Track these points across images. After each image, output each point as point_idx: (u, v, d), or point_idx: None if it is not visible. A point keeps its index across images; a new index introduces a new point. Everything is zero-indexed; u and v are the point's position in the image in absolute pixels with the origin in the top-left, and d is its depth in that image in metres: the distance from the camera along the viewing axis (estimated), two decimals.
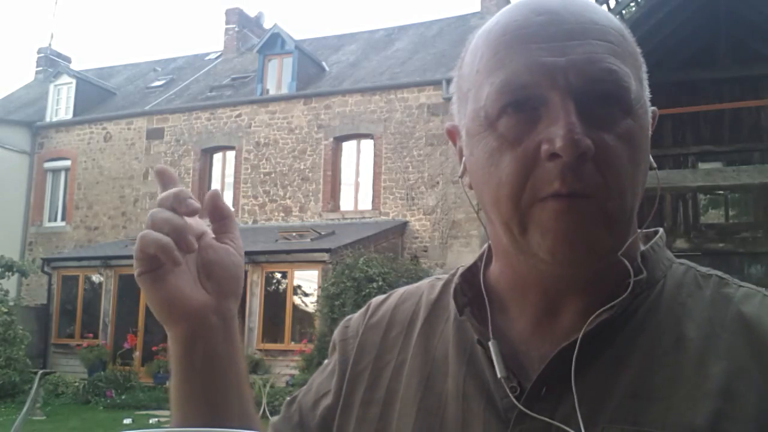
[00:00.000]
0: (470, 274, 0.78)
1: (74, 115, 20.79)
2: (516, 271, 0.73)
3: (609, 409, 0.64)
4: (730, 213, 12.90)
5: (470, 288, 0.76)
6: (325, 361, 0.88)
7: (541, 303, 0.72)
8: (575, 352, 0.66)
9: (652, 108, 0.73)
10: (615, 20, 0.69)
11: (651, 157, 0.71)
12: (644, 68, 0.71)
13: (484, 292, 0.76)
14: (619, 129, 0.64)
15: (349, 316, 0.89)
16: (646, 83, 0.71)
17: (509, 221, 0.66)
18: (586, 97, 0.63)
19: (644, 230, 0.78)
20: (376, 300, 0.88)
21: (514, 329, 0.73)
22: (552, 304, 0.71)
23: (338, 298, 12.78)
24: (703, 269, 0.74)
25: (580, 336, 0.66)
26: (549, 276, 0.69)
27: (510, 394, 0.68)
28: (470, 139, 0.69)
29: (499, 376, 0.69)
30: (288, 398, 0.89)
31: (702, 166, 11.46)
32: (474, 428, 0.69)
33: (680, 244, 11.53)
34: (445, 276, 0.85)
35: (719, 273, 0.74)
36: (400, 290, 0.87)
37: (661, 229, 0.79)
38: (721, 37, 11.50)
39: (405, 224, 16.27)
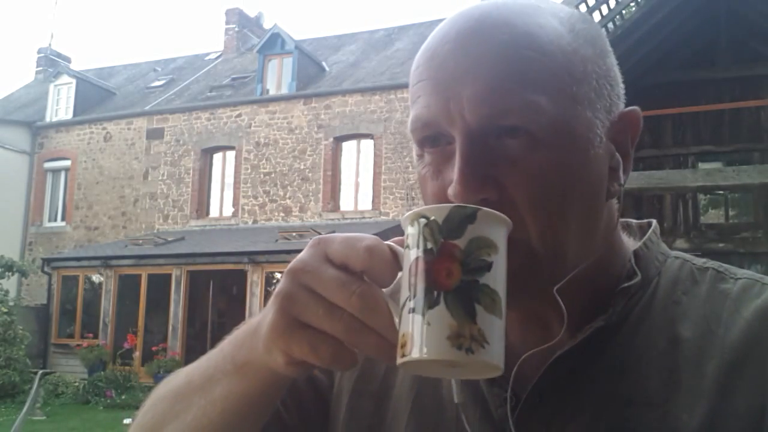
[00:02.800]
0: None
1: (74, 115, 20.80)
2: None
3: (606, 417, 0.63)
4: (730, 213, 12.90)
5: None
6: None
7: (521, 316, 0.69)
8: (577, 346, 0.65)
9: (631, 109, 0.68)
10: (543, 31, 0.62)
11: (621, 170, 0.67)
12: (592, 76, 0.63)
13: None
14: (534, 163, 0.60)
15: None
16: (595, 93, 0.63)
17: None
18: (487, 133, 0.60)
19: (637, 222, 0.76)
20: None
21: (509, 338, 0.71)
22: (536, 314, 0.68)
23: None
24: (700, 262, 0.72)
25: (575, 344, 0.65)
26: None
27: (494, 411, 0.67)
28: (416, 162, 0.68)
29: (456, 401, 0.68)
30: None
31: (702, 166, 11.46)
32: None
33: (680, 244, 11.53)
34: None
35: (716, 265, 0.71)
36: None
37: (654, 222, 0.76)
38: (721, 37, 11.50)
39: None
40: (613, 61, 0.68)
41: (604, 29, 11.01)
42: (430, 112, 0.62)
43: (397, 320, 0.53)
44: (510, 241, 0.56)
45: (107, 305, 15.90)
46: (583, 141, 0.62)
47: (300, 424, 0.76)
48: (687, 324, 0.66)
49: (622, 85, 0.69)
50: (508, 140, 0.60)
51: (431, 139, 0.64)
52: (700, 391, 0.62)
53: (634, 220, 0.77)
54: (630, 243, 0.73)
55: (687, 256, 0.74)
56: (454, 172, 0.60)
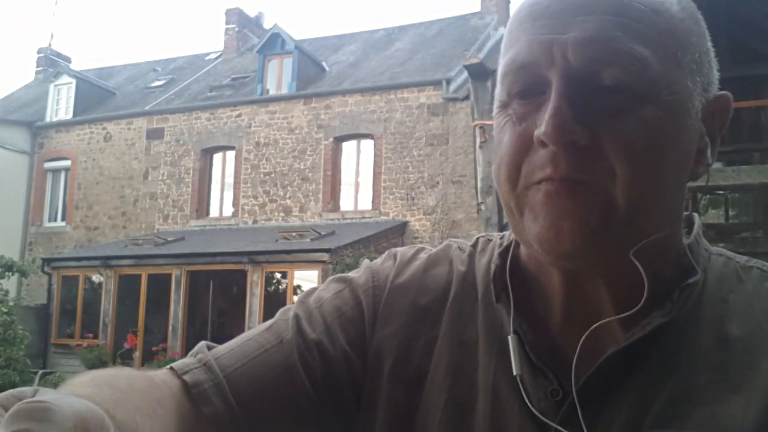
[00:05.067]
0: (506, 254, 0.71)
1: (74, 115, 20.79)
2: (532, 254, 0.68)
3: (652, 414, 0.61)
4: (730, 213, 12.89)
5: (505, 270, 0.70)
6: (334, 287, 0.77)
7: (571, 295, 0.66)
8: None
9: (723, 93, 0.67)
10: None
11: (709, 153, 0.64)
12: (696, 48, 0.63)
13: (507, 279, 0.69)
14: (633, 116, 0.58)
15: (368, 261, 0.80)
16: (696, 66, 0.63)
17: (509, 203, 0.63)
18: (587, 79, 0.59)
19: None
20: (402, 255, 0.79)
21: (552, 320, 0.67)
22: (583, 299, 0.65)
23: None
24: (743, 260, 0.70)
25: (633, 341, 0.62)
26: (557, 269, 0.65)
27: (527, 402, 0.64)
28: (495, 119, 0.67)
29: (515, 373, 0.65)
30: (288, 314, 0.75)
31: None
32: (507, 428, 0.65)
33: None
34: (467, 246, 0.79)
35: (759, 264, 0.70)
36: (426, 252, 0.79)
37: (696, 215, 0.73)
38: (721, 37, 11.49)
39: (405, 224, 16.26)
40: (711, 46, 0.67)
41: None
42: (531, 53, 0.60)
43: None
44: (592, 185, 0.56)
45: (107, 305, 15.90)
46: (682, 106, 0.61)
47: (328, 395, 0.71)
48: (736, 322, 0.64)
49: (717, 73, 0.68)
50: (611, 88, 0.59)
51: (524, 89, 0.62)
52: (755, 390, 0.60)
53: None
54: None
55: (729, 253, 0.72)
56: (545, 114, 0.58)
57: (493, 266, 0.71)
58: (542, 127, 0.58)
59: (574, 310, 0.66)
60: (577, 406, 0.62)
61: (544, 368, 0.65)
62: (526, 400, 0.64)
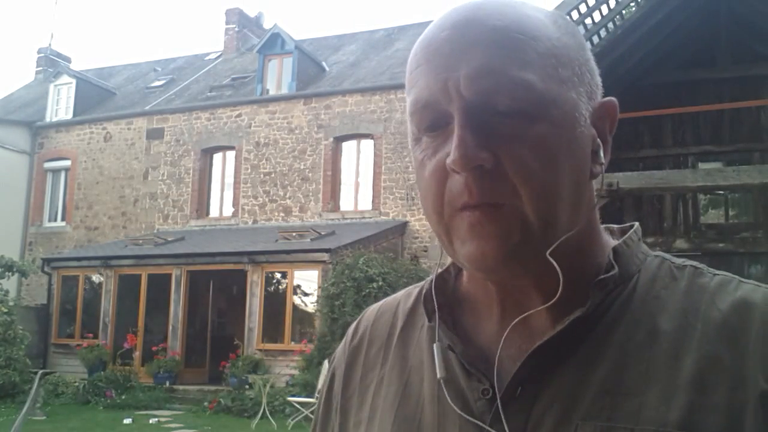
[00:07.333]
0: (441, 280, 0.79)
1: (74, 115, 20.80)
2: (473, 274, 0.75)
3: (583, 406, 0.65)
4: (730, 213, 12.89)
5: (441, 293, 0.77)
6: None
7: (505, 303, 0.72)
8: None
9: (608, 99, 0.73)
10: (530, 20, 0.68)
11: (601, 153, 0.71)
12: (575, 62, 0.69)
13: (433, 298, 0.77)
14: (527, 136, 0.64)
15: (338, 348, 0.91)
16: (577, 78, 0.69)
17: (438, 231, 0.69)
18: (483, 109, 0.64)
19: (620, 226, 0.79)
20: (355, 321, 0.90)
21: (484, 332, 0.74)
22: (517, 304, 0.71)
23: (338, 298, 12.79)
24: (678, 261, 0.74)
25: (553, 334, 0.67)
26: (490, 282, 0.71)
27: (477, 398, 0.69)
28: (412, 153, 0.72)
29: (438, 376, 0.71)
30: None
31: (702, 166, 11.45)
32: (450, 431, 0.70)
33: (680, 244, 11.53)
34: (422, 283, 0.86)
35: (694, 263, 0.74)
36: (377, 305, 0.89)
37: (636, 224, 0.79)
38: (721, 37, 11.50)
39: (405, 224, 16.27)
40: (591, 55, 0.73)
41: (603, 29, 10.87)
42: (430, 92, 0.66)
43: None
44: (504, 207, 0.64)
45: (107, 305, 15.90)
46: (570, 118, 0.67)
47: None
48: (666, 317, 0.68)
49: (599, 79, 0.73)
50: (503, 114, 0.65)
51: (431, 125, 0.68)
52: (678, 384, 0.64)
53: (616, 225, 0.80)
54: (611, 241, 0.75)
55: (667, 255, 0.76)
56: (452, 143, 0.64)
57: (423, 291, 0.79)
58: (450, 156, 0.64)
59: (508, 315, 0.71)
60: (500, 402, 0.68)
61: (476, 372, 0.70)
62: (449, 401, 0.70)
